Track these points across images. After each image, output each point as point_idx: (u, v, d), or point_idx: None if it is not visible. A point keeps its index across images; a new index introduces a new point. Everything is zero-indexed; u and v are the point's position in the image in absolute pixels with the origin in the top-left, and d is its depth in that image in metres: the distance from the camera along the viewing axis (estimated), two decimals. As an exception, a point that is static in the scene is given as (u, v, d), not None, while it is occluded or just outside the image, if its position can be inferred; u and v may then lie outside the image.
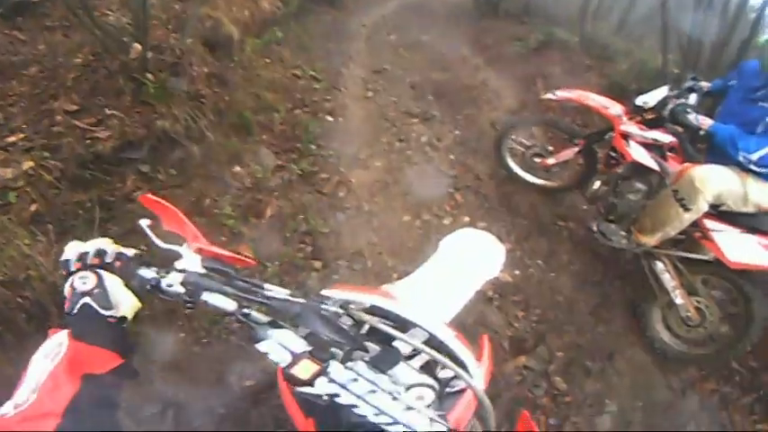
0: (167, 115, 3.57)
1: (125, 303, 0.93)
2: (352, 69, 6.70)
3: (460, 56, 8.17)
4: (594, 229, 3.21)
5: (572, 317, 3.14)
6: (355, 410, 0.86)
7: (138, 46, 3.69)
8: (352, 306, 0.98)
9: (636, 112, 3.09)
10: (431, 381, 0.96)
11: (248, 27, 5.79)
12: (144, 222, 1.02)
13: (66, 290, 0.92)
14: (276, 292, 0.96)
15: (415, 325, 1.00)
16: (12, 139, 3.04)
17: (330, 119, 4.97)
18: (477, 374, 1.02)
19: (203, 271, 0.95)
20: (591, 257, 3.59)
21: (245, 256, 1.05)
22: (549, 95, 3.54)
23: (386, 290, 1.26)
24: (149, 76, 3.65)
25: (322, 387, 0.85)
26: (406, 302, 1.14)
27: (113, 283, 0.94)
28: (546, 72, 6.97)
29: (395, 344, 0.95)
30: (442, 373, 1.03)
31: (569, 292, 3.31)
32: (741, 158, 2.58)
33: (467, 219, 3.80)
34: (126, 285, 0.95)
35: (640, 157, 2.96)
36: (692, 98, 2.99)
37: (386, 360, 0.92)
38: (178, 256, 0.98)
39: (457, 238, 1.59)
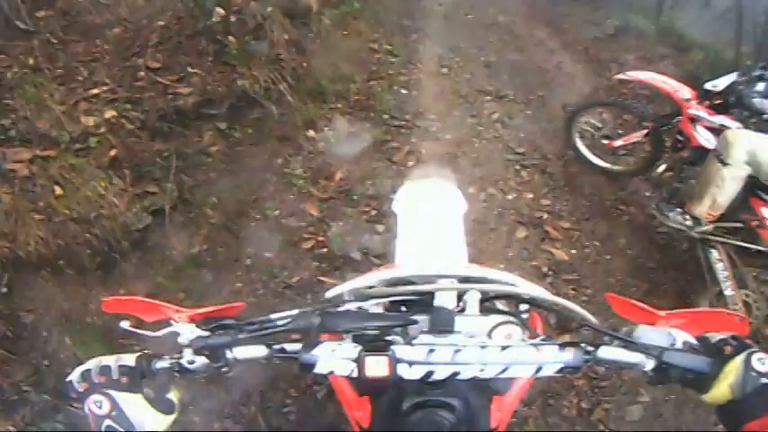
0: (247, 76, 3.74)
1: (150, 421, 0.85)
2: (428, 46, 6.71)
3: (536, 38, 8.08)
4: (653, 206, 3.18)
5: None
6: (460, 377, 0.80)
7: (220, 10, 3.87)
8: (366, 290, 0.92)
9: (704, 97, 3.04)
10: (505, 316, 0.92)
11: (325, -1, 5.92)
12: (125, 324, 0.93)
13: (87, 411, 0.85)
14: (286, 314, 0.89)
15: (437, 276, 0.93)
16: (95, 91, 3.26)
17: (404, 92, 5.05)
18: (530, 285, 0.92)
19: (206, 333, 0.89)
20: (648, 244, 3.57)
21: (232, 304, 0.97)
22: (621, 76, 3.61)
23: (387, 266, 1.26)
24: (231, 38, 3.83)
25: (409, 373, 0.80)
26: (413, 265, 1.11)
27: (129, 403, 0.85)
28: (620, 58, 6.87)
29: (436, 303, 0.90)
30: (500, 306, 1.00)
31: (622, 276, 3.30)
32: None
33: (530, 195, 3.82)
34: (149, 400, 0.86)
35: (706, 141, 2.91)
36: (761, 85, 2.91)
37: (442, 320, 0.87)
38: (176, 336, 0.91)
39: (408, 194, 1.57)
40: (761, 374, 0.77)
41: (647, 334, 0.87)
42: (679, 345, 0.86)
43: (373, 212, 3.30)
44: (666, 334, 0.86)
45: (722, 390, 0.79)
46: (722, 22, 7.53)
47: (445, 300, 0.89)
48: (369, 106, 4.52)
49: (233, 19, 3.97)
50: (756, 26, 5.11)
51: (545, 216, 3.62)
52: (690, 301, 2.99)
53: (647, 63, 6.19)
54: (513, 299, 0.98)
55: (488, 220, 3.49)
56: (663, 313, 0.90)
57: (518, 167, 4.11)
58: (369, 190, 3.43)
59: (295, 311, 0.86)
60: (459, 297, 0.93)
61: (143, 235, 2.74)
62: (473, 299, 0.92)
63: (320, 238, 3.03)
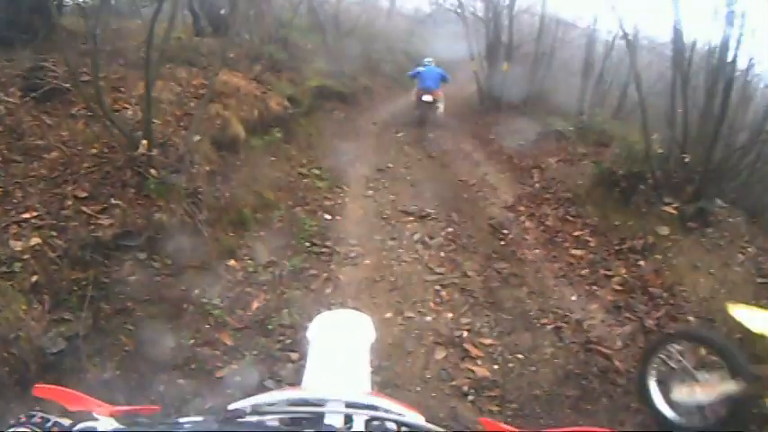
0: (165, 209, 4.03)
1: None
2: (357, 168, 7.26)
3: (463, 151, 8.82)
4: None
5: (551, 411, 3.19)
6: None
7: (145, 143, 4.22)
8: (265, 406, 1.03)
9: None
10: None
11: (256, 126, 6.43)
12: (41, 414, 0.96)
13: None
14: (192, 419, 0.99)
15: (329, 400, 1.08)
16: (26, 215, 3.50)
17: (328, 217, 5.42)
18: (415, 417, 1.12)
19: (123, 427, 0.96)
20: (577, 350, 3.73)
21: (150, 406, 1.09)
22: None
23: (292, 388, 1.43)
24: (152, 171, 4.18)
25: None
26: (315, 388, 1.33)
27: None
28: (542, 162, 7.60)
29: (325, 422, 1.02)
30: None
31: (549, 387, 3.38)
32: None
33: (450, 315, 4.00)
34: None
35: None
36: None
37: None
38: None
39: (321, 323, 1.74)
40: None
41: None
42: None
43: (288, 341, 3.46)
44: None
45: None
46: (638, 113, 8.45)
47: (333, 420, 1.03)
48: (291, 233, 4.82)
49: (155, 152, 4.34)
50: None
51: (465, 334, 3.78)
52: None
53: (569, 164, 6.99)
54: (394, 422, 1.06)
55: (405, 344, 3.62)
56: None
57: (438, 287, 4.35)
58: (284, 319, 3.61)
59: (200, 418, 0.97)
60: (349, 418, 1.06)
61: (58, 358, 2.87)
62: (359, 420, 1.05)
63: (234, 366, 3.17)
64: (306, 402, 1.09)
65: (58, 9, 5.53)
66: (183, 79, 6.09)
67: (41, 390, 1.05)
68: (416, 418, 1.11)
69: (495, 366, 3.53)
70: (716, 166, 5.31)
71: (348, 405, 1.07)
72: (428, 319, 3.94)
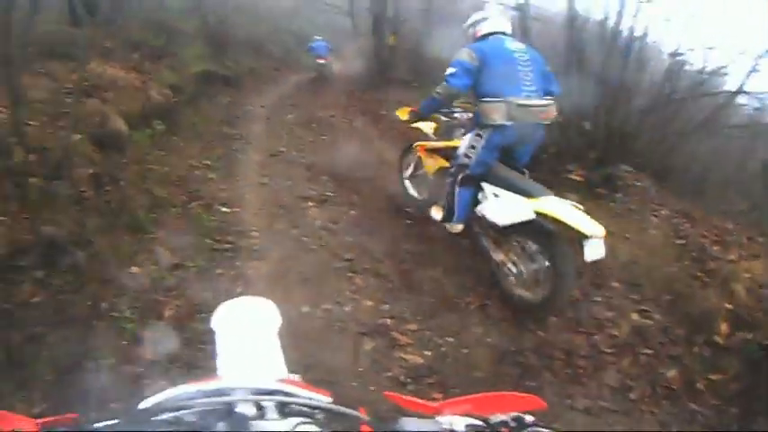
0: (52, 221, 3.82)
1: None
2: (249, 154, 7.16)
3: (355, 129, 8.88)
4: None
5: (497, 390, 3.31)
6: None
7: (19, 149, 3.96)
8: (178, 401, 1.05)
9: None
10: (303, 417, 1.06)
11: (138, 120, 6.16)
12: None
13: None
14: (106, 424, 0.98)
15: (236, 388, 1.10)
16: None
17: (225, 210, 5.27)
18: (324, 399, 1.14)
19: None
20: (506, 327, 3.77)
21: (68, 415, 1.10)
22: None
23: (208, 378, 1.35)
24: (32, 180, 3.91)
25: None
26: (230, 378, 1.30)
27: None
28: None
29: (236, 410, 1.03)
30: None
31: (488, 366, 3.42)
32: None
33: (369, 303, 3.95)
34: None
35: None
36: None
37: (237, 424, 1.00)
38: None
39: (224, 312, 1.71)
40: None
41: (416, 424, 0.96)
42: (460, 429, 0.94)
43: (209, 347, 3.32)
44: (435, 422, 0.96)
45: None
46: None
47: (244, 407, 1.03)
48: (190, 231, 4.65)
49: (33, 157, 4.07)
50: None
51: (389, 322, 3.73)
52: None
53: None
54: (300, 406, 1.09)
55: (329, 337, 3.54)
56: (436, 404, 1.02)
57: (350, 274, 4.32)
58: (200, 325, 3.45)
59: (115, 420, 0.97)
60: (260, 406, 1.05)
61: None
62: (271, 407, 1.06)
63: (162, 382, 2.87)
64: (215, 393, 1.08)
65: None
66: (56, 74, 5.72)
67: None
68: (324, 399, 1.13)
69: (428, 352, 3.50)
70: (617, 132, 5.61)
71: (255, 392, 1.09)
72: (347, 309, 3.89)
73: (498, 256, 3.96)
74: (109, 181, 4.69)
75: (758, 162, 7.00)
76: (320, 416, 1.06)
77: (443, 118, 4.70)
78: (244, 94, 10.52)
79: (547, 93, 3.95)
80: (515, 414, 0.95)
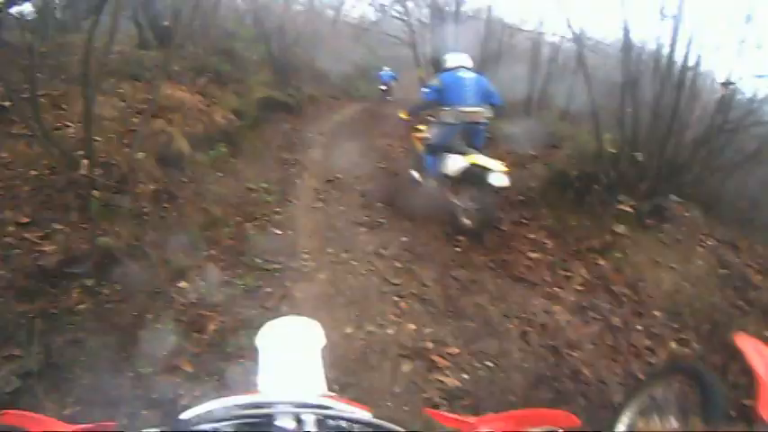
0: (110, 232, 3.94)
1: None
2: (306, 179, 7.24)
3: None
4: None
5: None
6: None
7: (86, 162, 4.08)
8: (217, 413, 1.07)
9: None
10: None
11: (201, 141, 6.35)
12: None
13: None
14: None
15: (278, 402, 1.09)
16: None
17: (279, 232, 5.35)
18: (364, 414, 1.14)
19: None
20: (546, 353, 3.78)
21: (107, 422, 1.13)
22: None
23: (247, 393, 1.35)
24: (95, 192, 4.05)
25: None
26: (267, 392, 1.33)
27: None
28: None
29: (276, 424, 1.04)
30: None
31: (522, 391, 3.42)
32: None
33: (412, 326, 3.96)
34: None
35: None
36: None
37: None
38: None
39: (270, 330, 1.73)
40: None
41: None
42: None
43: (248, 364, 3.25)
44: None
45: None
46: (587, 111, 8.56)
47: (284, 422, 1.03)
48: (242, 251, 4.72)
49: (98, 171, 4.21)
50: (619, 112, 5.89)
51: (430, 345, 3.75)
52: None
53: (518, 167, 7.00)
54: (341, 419, 1.09)
55: (370, 359, 3.57)
56: (472, 420, 1.03)
57: (396, 299, 4.33)
58: (242, 340, 3.48)
59: (156, 430, 0.97)
60: (300, 420, 1.05)
61: (13, 398, 2.72)
62: (310, 420, 1.05)
63: (196, 393, 3.03)
64: (256, 406, 1.08)
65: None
66: (126, 94, 5.98)
67: (7, 416, 1.08)
68: (365, 415, 1.13)
69: (465, 375, 3.50)
70: (668, 163, 5.50)
71: (297, 406, 1.08)
72: (390, 331, 3.91)
73: (453, 198, 5.78)
74: (168, 198, 4.81)
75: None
76: (359, 431, 1.06)
77: (431, 119, 6.32)
78: (304, 121, 10.73)
79: (488, 103, 5.89)
80: (548, 429, 0.96)
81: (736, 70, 5.90)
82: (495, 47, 11.88)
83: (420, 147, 6.57)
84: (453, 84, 5.78)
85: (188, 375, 3.19)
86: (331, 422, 1.06)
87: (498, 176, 5.11)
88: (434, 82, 5.97)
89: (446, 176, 5.85)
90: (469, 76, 5.85)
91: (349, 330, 3.86)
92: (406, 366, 3.53)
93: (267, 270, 4.54)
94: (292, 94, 10.98)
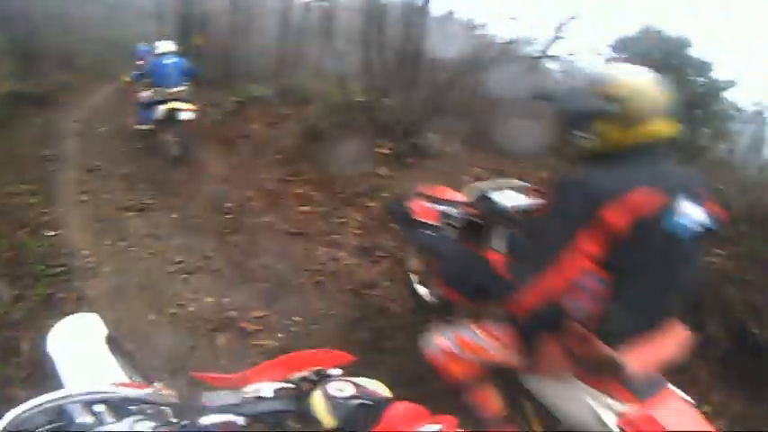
0: None
1: None
2: (66, 173, 7.13)
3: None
4: None
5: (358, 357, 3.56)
6: None
7: None
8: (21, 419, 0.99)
9: None
10: (139, 415, 1.06)
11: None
12: None
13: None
14: None
15: (68, 396, 1.04)
16: None
17: (52, 233, 5.28)
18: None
19: None
20: (347, 298, 4.09)
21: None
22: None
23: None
24: None
25: None
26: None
27: None
28: (247, 131, 8.09)
29: (78, 420, 1.06)
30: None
31: (341, 338, 3.65)
32: None
33: (210, 299, 4.16)
34: None
35: None
36: None
37: None
38: None
39: (54, 336, 1.74)
40: (345, 399, 0.90)
41: (219, 397, 0.98)
42: (269, 394, 0.98)
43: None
44: (239, 393, 0.99)
45: (327, 421, 0.88)
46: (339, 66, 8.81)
47: (81, 417, 1.06)
48: (23, 260, 4.62)
49: None
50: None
51: (234, 314, 3.93)
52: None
53: (273, 128, 7.52)
54: (122, 402, 1.08)
55: (184, 340, 3.67)
56: (244, 373, 1.07)
57: (185, 276, 4.54)
58: None
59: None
60: (95, 413, 1.07)
61: None
62: (102, 410, 1.07)
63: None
64: (48, 403, 1.02)
65: None
66: None
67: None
68: (147, 392, 1.09)
69: (280, 335, 3.74)
70: (420, 106, 5.99)
71: (84, 399, 1.06)
72: (192, 309, 4.10)
73: (163, 136, 7.66)
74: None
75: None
76: (151, 410, 1.06)
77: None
78: (57, 111, 10.11)
79: (190, 78, 7.69)
80: (317, 369, 1.01)
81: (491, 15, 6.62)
82: (242, 12, 12.00)
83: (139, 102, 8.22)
84: (159, 68, 7.50)
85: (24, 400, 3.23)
86: (128, 409, 1.06)
87: (185, 113, 7.19)
88: (141, 64, 8.44)
89: (157, 121, 7.42)
90: (172, 60, 7.55)
91: (153, 317, 4.01)
92: (222, 339, 3.73)
93: (54, 275, 4.50)
94: (41, 83, 10.30)
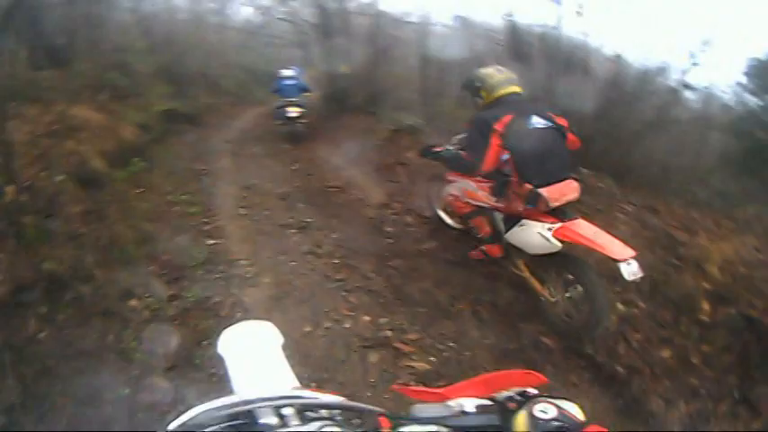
0: (51, 257, 3.81)
1: None
2: (224, 188, 7.19)
3: (320, 157, 9.01)
4: None
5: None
6: None
7: (9, 189, 3.92)
8: (203, 418, 1.08)
9: None
10: (324, 421, 1.11)
11: (115, 158, 6.16)
12: None
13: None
14: None
15: (255, 399, 1.10)
16: None
17: (211, 241, 5.32)
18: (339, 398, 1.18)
19: None
20: (503, 328, 3.91)
21: None
22: None
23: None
24: (26, 218, 3.90)
25: None
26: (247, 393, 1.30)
27: None
28: (402, 158, 7.87)
29: (260, 421, 1.10)
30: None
31: (491, 366, 3.53)
32: None
33: (367, 318, 4.05)
34: None
35: None
36: None
37: None
38: None
39: (228, 337, 1.78)
40: (546, 421, 0.91)
41: (428, 409, 1.03)
42: (472, 410, 1.01)
43: (221, 371, 3.28)
44: (446, 406, 1.02)
45: None
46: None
47: (267, 418, 1.09)
48: (180, 263, 4.67)
49: (24, 197, 4.05)
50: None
51: (389, 334, 3.84)
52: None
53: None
54: (319, 408, 1.15)
55: (336, 354, 3.63)
56: (442, 390, 1.07)
57: (344, 293, 4.42)
58: (207, 351, 3.51)
59: None
60: (281, 415, 1.11)
61: None
62: (291, 413, 1.11)
63: (180, 407, 2.97)
64: (236, 405, 1.09)
65: None
66: (27, 117, 5.69)
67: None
68: (339, 399, 1.18)
69: (432, 358, 3.63)
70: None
71: (275, 400, 1.11)
72: (347, 325, 3.99)
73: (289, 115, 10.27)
74: (96, 218, 4.67)
75: (714, 153, 7.33)
76: (340, 417, 1.12)
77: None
78: (207, 131, 10.59)
79: (304, 92, 10.55)
80: (519, 389, 1.02)
81: (625, 44, 6.33)
82: (383, 41, 11.99)
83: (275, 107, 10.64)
84: (282, 86, 10.51)
85: (166, 390, 3.18)
86: (311, 414, 1.11)
87: (293, 113, 10.13)
88: (274, 86, 10.85)
89: (283, 118, 10.17)
90: (291, 82, 10.61)
91: (308, 329, 3.91)
92: (373, 356, 3.62)
93: (211, 280, 4.53)
94: (191, 104, 10.82)
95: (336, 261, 5.02)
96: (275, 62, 15.49)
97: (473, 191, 4.28)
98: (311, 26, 12.93)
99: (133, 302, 3.98)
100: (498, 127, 3.63)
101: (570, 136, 3.97)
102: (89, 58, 8.28)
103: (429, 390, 1.08)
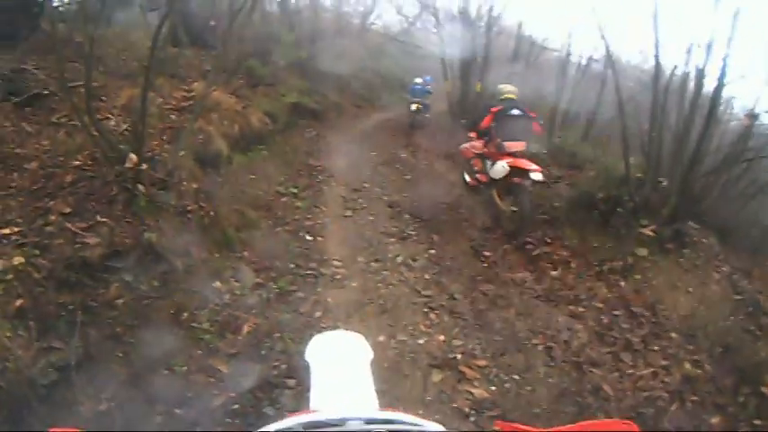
0: (155, 228, 3.92)
1: None
2: (334, 187, 7.24)
3: (437, 172, 8.82)
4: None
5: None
6: None
7: (133, 156, 4.05)
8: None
9: None
10: None
11: (237, 142, 6.35)
12: None
13: None
14: None
15: (348, 419, 1.09)
16: (5, 231, 3.31)
17: (309, 238, 5.36)
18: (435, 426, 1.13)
19: None
20: (569, 370, 3.81)
21: None
22: None
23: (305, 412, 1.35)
24: (141, 187, 4.04)
25: None
26: (331, 410, 1.28)
27: None
28: None
29: None
30: None
31: (547, 404, 3.48)
32: None
33: (441, 338, 3.99)
34: None
35: None
36: None
37: None
38: None
39: (318, 345, 1.77)
40: None
41: None
42: None
43: (283, 367, 3.35)
44: None
45: None
46: (609, 130, 8.68)
47: None
48: (274, 254, 4.73)
49: (144, 166, 4.20)
50: (643, 133, 5.89)
51: (459, 356, 3.79)
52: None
53: (542, 188, 6.96)
54: None
55: (402, 367, 3.61)
56: (535, 430, 1.03)
57: (426, 310, 4.34)
58: (277, 344, 3.54)
59: None
60: None
61: (49, 390, 2.71)
62: None
63: (231, 394, 3.06)
64: (325, 424, 1.09)
65: (41, 10, 5.38)
66: (163, 91, 5.98)
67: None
68: (437, 428, 1.13)
69: (493, 387, 3.57)
70: (689, 189, 5.44)
71: (367, 422, 1.08)
72: (421, 341, 3.93)
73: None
74: (205, 198, 4.79)
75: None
76: None
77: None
78: (328, 128, 10.66)
79: (428, 95, 12.72)
80: None
81: (762, 100, 5.92)
82: (522, 64, 11.82)
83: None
84: (413, 89, 12.34)
85: (222, 375, 3.18)
86: None
87: (415, 106, 12.06)
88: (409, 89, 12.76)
89: (410, 111, 12.12)
90: (419, 87, 12.31)
91: (381, 339, 3.89)
92: (437, 376, 3.58)
93: (300, 275, 4.56)
94: (318, 100, 10.97)
95: (428, 277, 4.93)
96: (411, 70, 15.58)
97: (476, 143, 6.90)
98: (453, 40, 12.81)
99: (218, 284, 4.07)
100: (493, 110, 6.41)
101: (535, 124, 6.52)
102: (230, 43, 8.61)
103: (530, 429, 1.04)
